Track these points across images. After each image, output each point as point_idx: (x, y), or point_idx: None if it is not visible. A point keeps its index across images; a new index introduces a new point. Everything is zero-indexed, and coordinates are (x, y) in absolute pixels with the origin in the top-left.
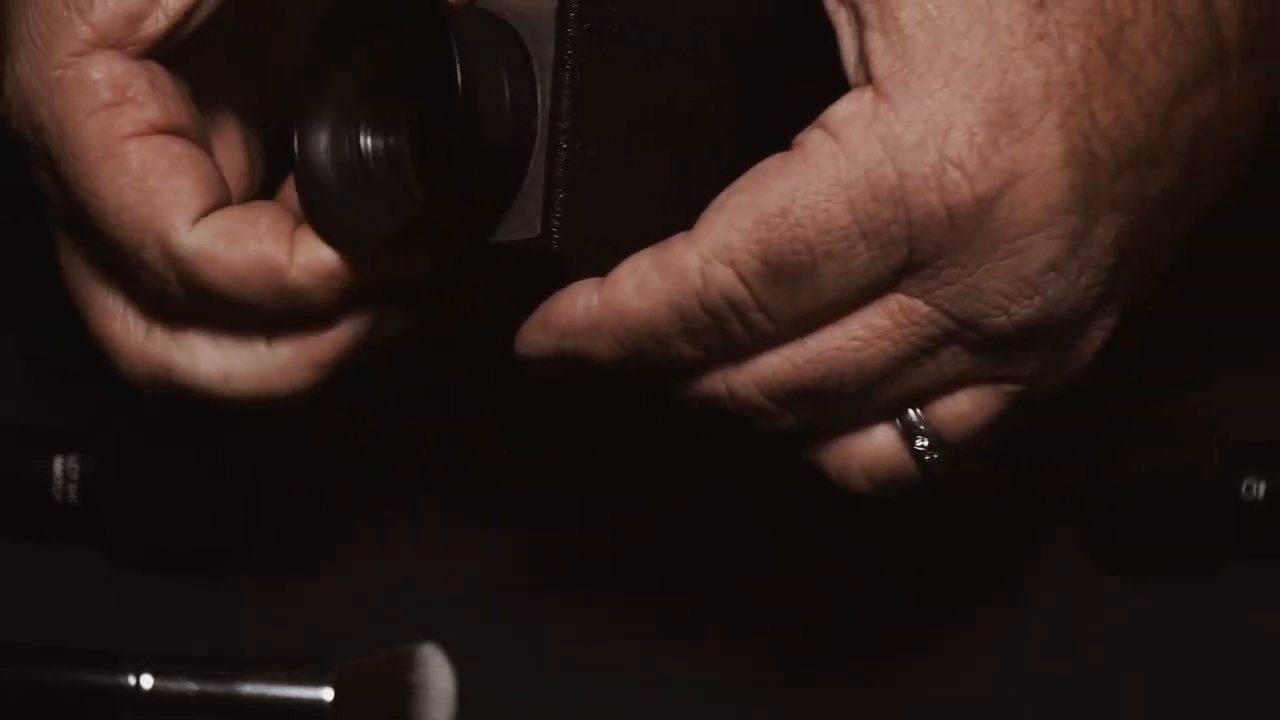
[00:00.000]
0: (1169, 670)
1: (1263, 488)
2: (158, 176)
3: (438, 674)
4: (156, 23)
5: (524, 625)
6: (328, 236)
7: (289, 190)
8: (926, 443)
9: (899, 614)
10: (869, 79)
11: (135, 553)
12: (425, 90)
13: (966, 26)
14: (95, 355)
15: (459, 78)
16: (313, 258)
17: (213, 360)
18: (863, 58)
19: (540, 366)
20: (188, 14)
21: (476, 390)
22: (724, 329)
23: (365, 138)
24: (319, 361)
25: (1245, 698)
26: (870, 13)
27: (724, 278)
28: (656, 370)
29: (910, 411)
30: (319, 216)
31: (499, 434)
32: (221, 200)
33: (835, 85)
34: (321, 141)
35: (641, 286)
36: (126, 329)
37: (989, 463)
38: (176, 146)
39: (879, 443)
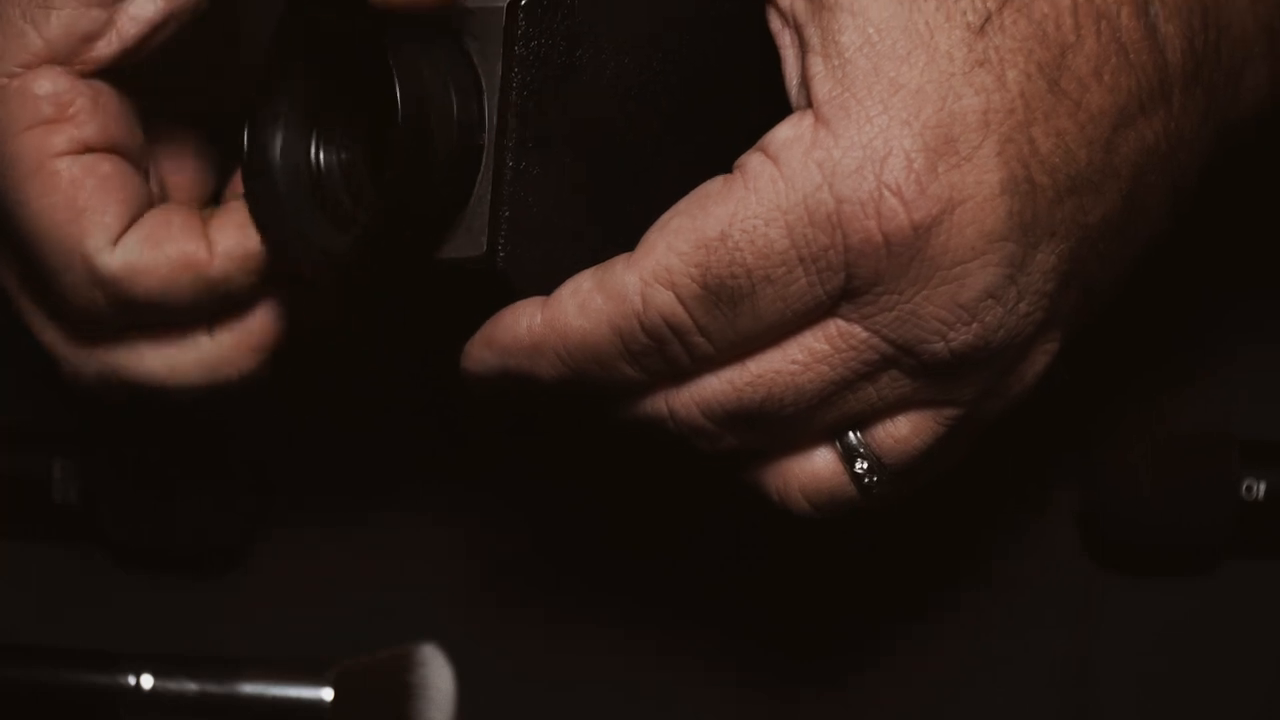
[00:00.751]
0: (1169, 669)
1: (1263, 488)
2: (86, 195)
3: (438, 674)
4: (108, 45)
5: (524, 625)
6: (277, 253)
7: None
8: (866, 465)
9: (899, 614)
10: (810, 103)
11: (135, 553)
12: (373, 106)
13: (907, 52)
14: None
15: (399, 95)
16: (232, 246)
17: (158, 359)
18: (804, 81)
19: (484, 384)
20: (140, 42)
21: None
22: (664, 351)
23: (317, 151)
24: (260, 346)
25: (1245, 697)
26: (813, 36)
27: (664, 300)
28: (599, 390)
29: (850, 434)
30: (270, 231)
31: (500, 435)
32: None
33: (780, 107)
34: (273, 154)
35: (583, 307)
36: (65, 337)
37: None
38: (107, 165)
39: (818, 465)
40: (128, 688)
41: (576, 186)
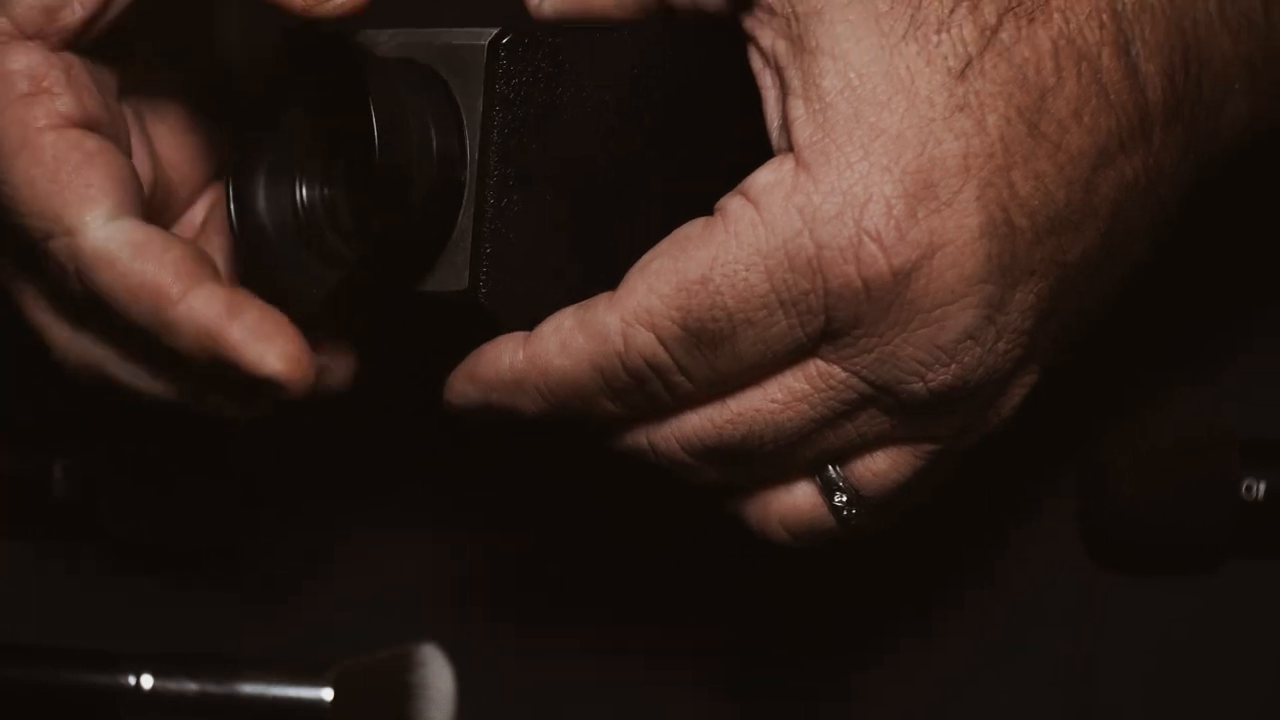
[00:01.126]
0: (1169, 669)
1: (1263, 488)
2: (70, 170)
3: (438, 674)
4: (73, 13)
5: (524, 625)
6: (262, 292)
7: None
8: (845, 498)
9: (901, 613)
10: (791, 146)
11: (135, 552)
12: (356, 142)
13: (887, 97)
14: None
15: (376, 132)
16: (201, 308)
17: (124, 370)
18: (785, 124)
19: (465, 416)
20: (102, 8)
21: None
22: (645, 389)
23: (302, 189)
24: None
25: (1245, 697)
26: (794, 79)
27: (645, 341)
28: (581, 424)
29: (829, 469)
30: (253, 269)
31: (500, 436)
32: (134, 201)
33: (761, 149)
34: (259, 194)
35: (565, 346)
36: (55, 317)
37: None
38: (91, 142)
39: (798, 498)
40: (128, 688)
41: (558, 223)
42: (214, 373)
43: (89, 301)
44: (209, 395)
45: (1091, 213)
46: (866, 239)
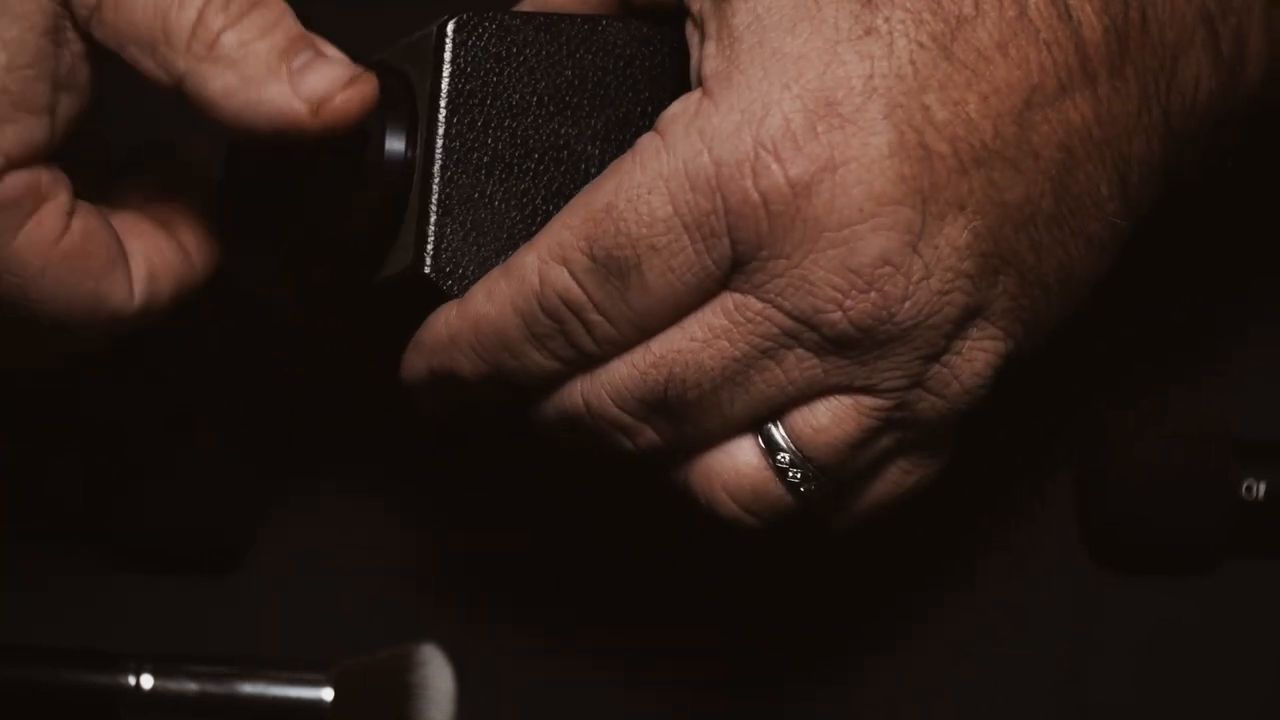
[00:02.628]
0: (1168, 669)
1: (1263, 488)
2: (97, 262)
3: (438, 674)
4: (54, 141)
5: (524, 625)
6: (234, 250)
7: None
8: (787, 458)
9: (898, 613)
10: (700, 82)
11: (137, 552)
12: None
13: (792, 24)
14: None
15: None
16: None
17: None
18: (699, 65)
19: (418, 391)
20: (70, 138)
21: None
22: (566, 331)
23: (286, 183)
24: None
25: (1245, 697)
26: (710, 25)
27: (557, 276)
28: (517, 383)
29: (769, 425)
30: (234, 233)
31: (499, 435)
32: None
33: None
34: (244, 186)
35: (490, 293)
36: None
37: (881, 497)
38: (88, 220)
39: (740, 460)
40: (128, 688)
41: (506, 201)
42: None
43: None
44: None
45: (1031, 152)
46: (763, 152)
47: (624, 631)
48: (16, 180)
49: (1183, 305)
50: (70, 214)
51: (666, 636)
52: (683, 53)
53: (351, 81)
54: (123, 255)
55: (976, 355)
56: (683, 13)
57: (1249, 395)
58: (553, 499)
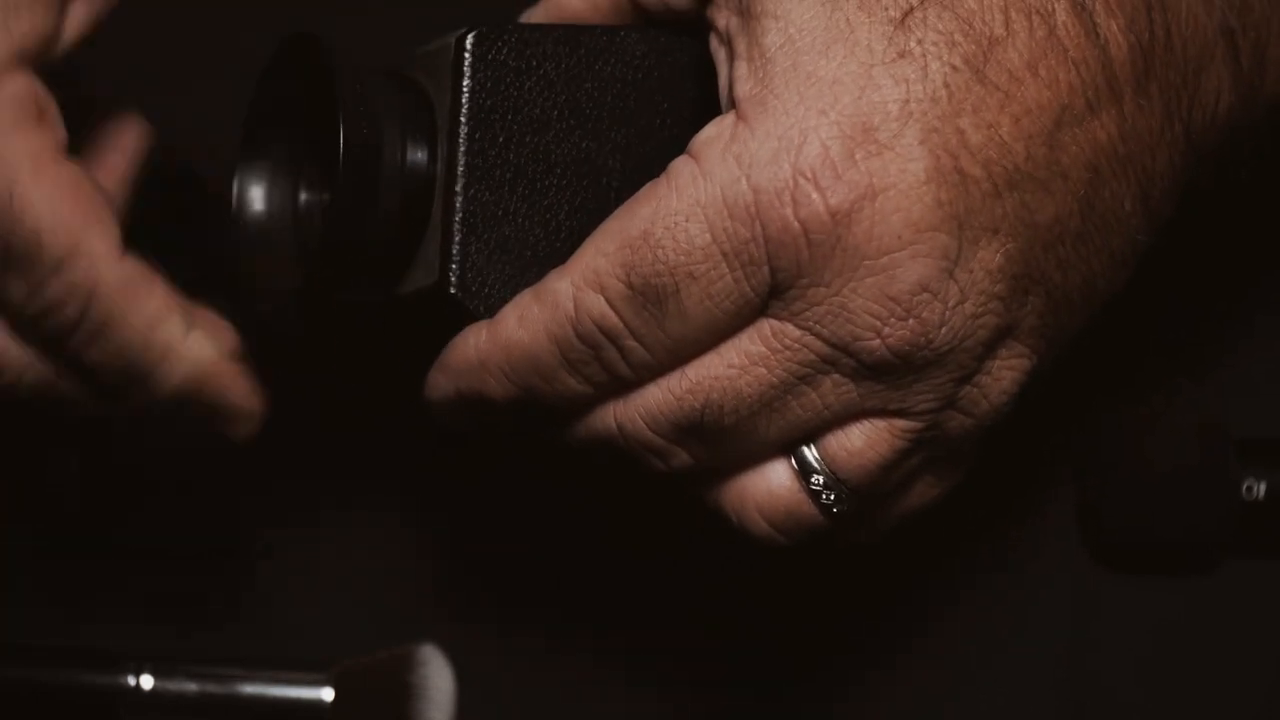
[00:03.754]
0: (1168, 670)
1: (1263, 488)
2: (88, 197)
3: (438, 674)
4: (61, 45)
5: (524, 625)
6: (238, 285)
7: None
8: (821, 480)
9: (898, 613)
10: (734, 105)
11: (136, 552)
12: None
13: (825, 46)
14: None
15: (342, 132)
16: (199, 346)
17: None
18: (730, 86)
19: (444, 410)
20: (82, 42)
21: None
22: (601, 357)
23: (301, 193)
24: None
25: (1245, 697)
26: (740, 45)
27: (593, 303)
28: (548, 406)
29: (803, 448)
30: (240, 265)
31: (499, 436)
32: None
33: None
34: (257, 194)
35: (522, 318)
36: (4, 344)
37: (906, 511)
38: (81, 169)
39: (773, 482)
40: (128, 688)
41: (529, 216)
42: (175, 400)
43: (61, 331)
44: (150, 413)
45: (1060, 173)
46: (802, 180)
47: (624, 631)
48: (26, 82)
49: (1183, 305)
50: (65, 155)
51: (666, 636)
52: (703, 63)
53: None
54: (112, 222)
55: (1005, 374)
56: (702, 22)
57: (1249, 395)
58: (553, 499)
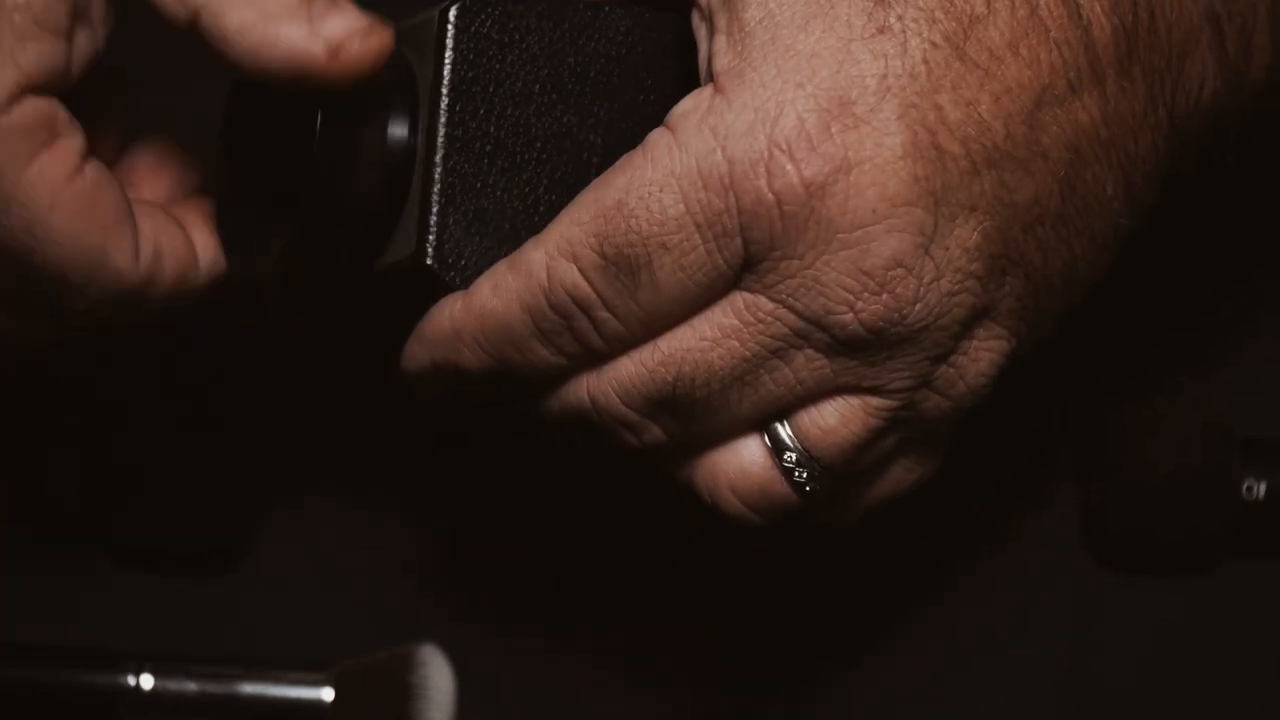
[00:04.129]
0: (1168, 669)
1: (1263, 488)
2: (104, 213)
3: (438, 674)
4: (71, 73)
5: (524, 625)
6: (224, 244)
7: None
8: (794, 457)
9: (898, 614)
10: (712, 78)
11: (136, 553)
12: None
13: (805, 20)
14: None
15: (320, 111)
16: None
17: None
18: (709, 60)
19: (420, 382)
20: (90, 70)
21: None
22: (573, 328)
23: (284, 168)
24: None
25: (1245, 697)
26: (720, 19)
27: (566, 273)
28: (522, 378)
29: (776, 425)
30: (225, 226)
31: (499, 435)
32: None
33: None
34: (243, 170)
35: (496, 287)
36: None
37: (882, 495)
38: (96, 172)
39: (746, 458)
40: (128, 688)
41: (509, 189)
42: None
43: (84, 328)
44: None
45: (1040, 153)
46: (777, 152)
47: (624, 631)
48: (34, 106)
49: (1183, 305)
50: (83, 160)
51: (666, 636)
52: (686, 39)
53: (370, 30)
54: (131, 219)
55: (982, 355)
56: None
57: (1249, 395)
58: (553, 499)
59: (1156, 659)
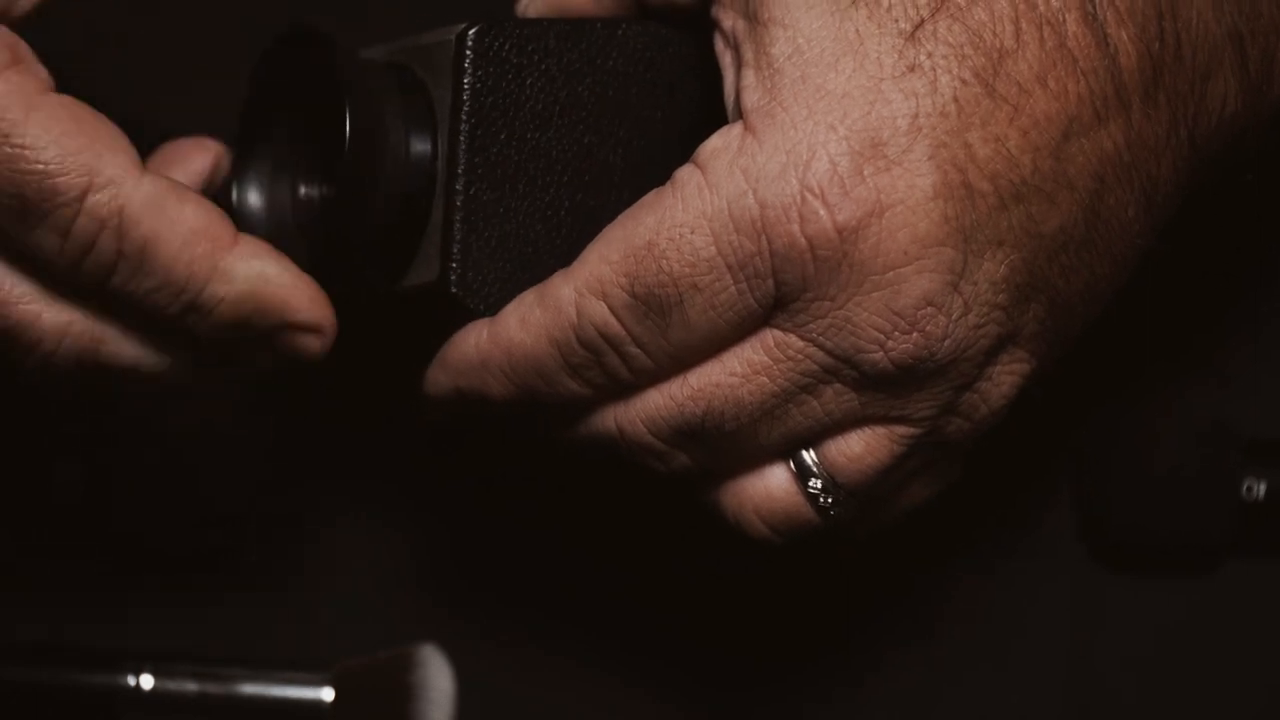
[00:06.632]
0: (1168, 669)
1: (1263, 488)
2: (92, 123)
3: (438, 674)
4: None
5: (523, 626)
6: None
7: None
8: (820, 484)
9: (899, 614)
10: (740, 114)
11: (136, 552)
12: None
13: (835, 59)
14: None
15: (348, 127)
16: (252, 252)
17: (128, 346)
18: (737, 94)
19: (442, 407)
20: None
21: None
22: (602, 363)
23: (300, 186)
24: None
25: (1245, 697)
26: (747, 51)
27: (596, 311)
28: (548, 407)
29: (802, 452)
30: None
31: (499, 436)
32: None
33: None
34: (257, 187)
35: (524, 321)
36: (46, 304)
37: (901, 509)
38: (83, 105)
39: (772, 484)
40: (128, 688)
41: (530, 212)
42: (230, 333)
43: (103, 269)
44: (209, 364)
45: (1067, 184)
46: (810, 196)
47: (623, 632)
48: None
49: (1184, 305)
50: (53, 89)
51: (666, 636)
52: (704, 57)
53: None
54: (123, 143)
55: (1005, 379)
56: (704, 18)
57: (1249, 395)
58: (552, 499)
59: (1157, 659)
